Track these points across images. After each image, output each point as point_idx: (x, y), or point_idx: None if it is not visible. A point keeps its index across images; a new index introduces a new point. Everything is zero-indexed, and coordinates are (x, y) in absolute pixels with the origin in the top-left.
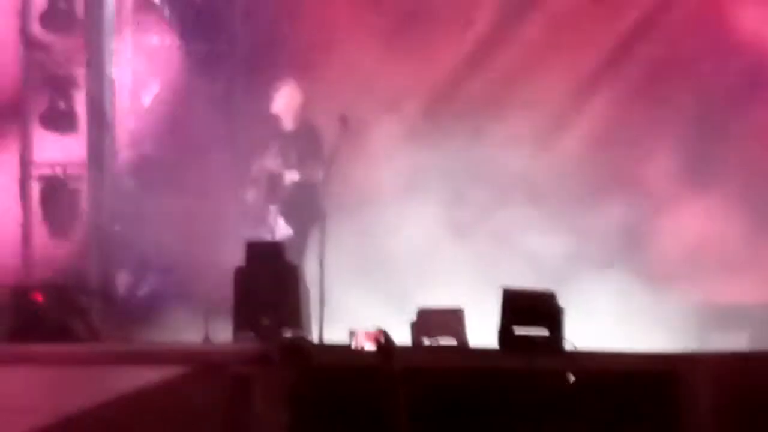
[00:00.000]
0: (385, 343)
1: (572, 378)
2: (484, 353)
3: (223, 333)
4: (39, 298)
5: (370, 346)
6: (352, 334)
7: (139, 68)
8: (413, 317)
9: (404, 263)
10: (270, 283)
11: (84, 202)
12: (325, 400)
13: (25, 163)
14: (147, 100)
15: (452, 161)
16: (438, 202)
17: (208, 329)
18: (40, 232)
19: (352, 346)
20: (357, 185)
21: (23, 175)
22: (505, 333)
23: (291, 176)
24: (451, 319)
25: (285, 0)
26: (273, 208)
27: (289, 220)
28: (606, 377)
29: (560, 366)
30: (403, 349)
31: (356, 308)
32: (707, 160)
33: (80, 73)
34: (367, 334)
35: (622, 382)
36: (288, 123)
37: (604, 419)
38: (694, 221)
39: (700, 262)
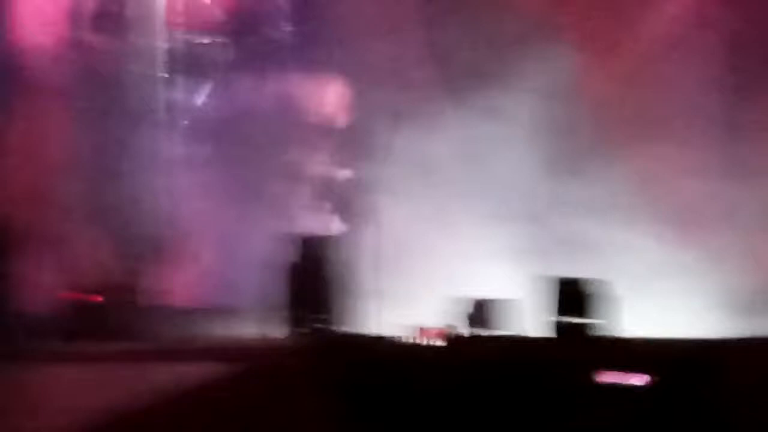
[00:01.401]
0: (453, 338)
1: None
2: (540, 342)
3: (277, 328)
4: (98, 299)
5: (438, 341)
6: (421, 329)
7: (190, 67)
8: (469, 308)
9: (458, 256)
10: (321, 279)
11: (137, 200)
12: (379, 392)
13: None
14: (200, 97)
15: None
16: (490, 194)
17: (263, 325)
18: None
19: (422, 342)
20: (408, 182)
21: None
22: (560, 322)
23: (344, 173)
24: (502, 310)
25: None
26: (327, 205)
27: (340, 215)
28: (658, 363)
29: (613, 354)
30: (467, 341)
31: (411, 302)
32: None
33: (133, 72)
34: (436, 330)
35: (674, 368)
36: (339, 120)
37: (656, 404)
38: None
39: None
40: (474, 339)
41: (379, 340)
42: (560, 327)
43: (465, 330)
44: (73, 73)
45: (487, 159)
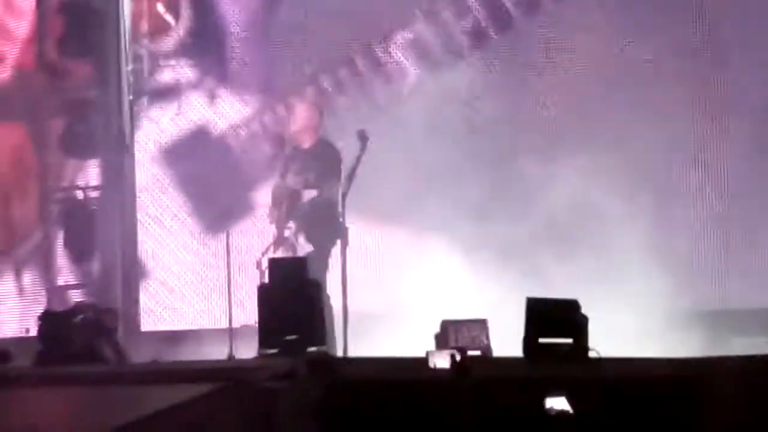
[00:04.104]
0: (460, 361)
1: None
2: (510, 362)
3: (247, 350)
4: (65, 321)
5: (443, 364)
6: (428, 353)
7: (156, 90)
8: (437, 329)
9: (426, 275)
10: (293, 300)
11: (105, 225)
12: (352, 414)
13: (45, 187)
14: (165, 121)
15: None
16: (460, 215)
17: (233, 347)
18: (62, 256)
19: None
20: (376, 200)
21: (43, 200)
22: (530, 342)
23: (310, 194)
24: (475, 330)
25: (296, 21)
26: (293, 226)
27: (309, 237)
28: (630, 385)
29: (585, 374)
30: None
31: (379, 322)
32: None
33: (97, 96)
34: (444, 353)
35: (646, 389)
36: (306, 141)
37: (629, 427)
38: None
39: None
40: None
41: (347, 360)
42: (531, 347)
43: (438, 350)
44: (39, 96)
45: (463, 179)
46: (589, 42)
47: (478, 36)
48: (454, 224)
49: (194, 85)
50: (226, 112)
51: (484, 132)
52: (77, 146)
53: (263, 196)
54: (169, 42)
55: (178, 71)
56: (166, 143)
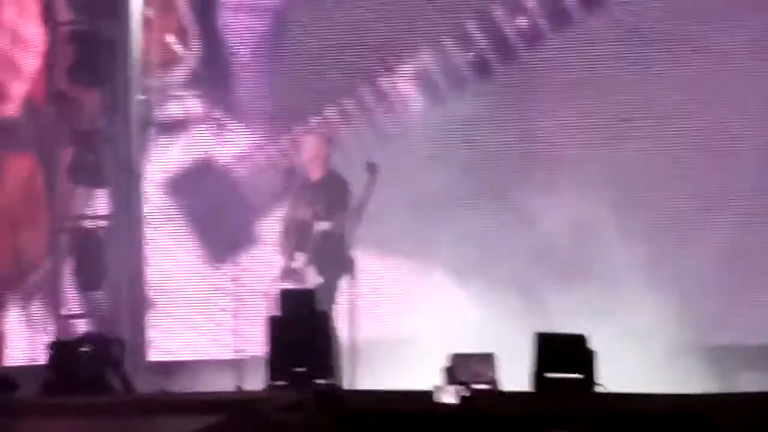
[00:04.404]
0: (467, 397)
1: None
2: (517, 397)
3: (255, 382)
4: (72, 350)
5: (450, 399)
6: (435, 388)
7: (166, 121)
8: (444, 360)
9: (432, 306)
10: (302, 332)
11: (113, 254)
12: None
13: (54, 217)
14: (173, 151)
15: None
16: (465, 246)
17: (241, 378)
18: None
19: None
20: (381, 231)
21: (52, 230)
22: (538, 377)
23: (319, 225)
24: (482, 364)
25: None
26: (302, 257)
27: (318, 268)
28: (636, 419)
29: (592, 408)
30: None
31: (386, 353)
32: None
33: (107, 126)
34: (450, 389)
35: (652, 424)
36: (315, 172)
37: None
38: None
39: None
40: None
41: (354, 392)
42: (540, 381)
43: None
44: (48, 126)
45: (467, 209)
46: (593, 74)
47: (481, 67)
48: (459, 255)
49: (203, 116)
50: (234, 142)
51: (487, 162)
52: (86, 176)
53: (271, 227)
54: (178, 72)
55: (187, 102)
56: (174, 173)
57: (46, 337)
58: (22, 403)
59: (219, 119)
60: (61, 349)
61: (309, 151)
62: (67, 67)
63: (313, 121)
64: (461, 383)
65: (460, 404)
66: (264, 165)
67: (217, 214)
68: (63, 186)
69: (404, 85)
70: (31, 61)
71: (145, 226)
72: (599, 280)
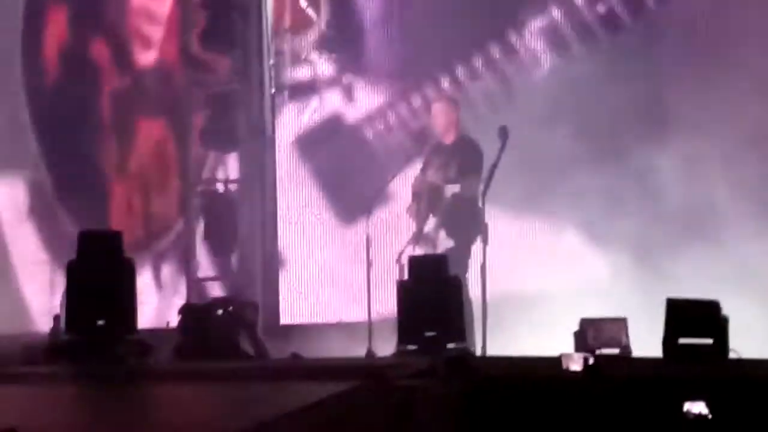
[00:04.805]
0: (593, 365)
1: None
2: (648, 363)
3: (386, 345)
4: (205, 314)
5: (577, 367)
6: (562, 356)
7: (296, 84)
8: (578, 327)
9: (564, 272)
10: (433, 296)
11: (245, 217)
12: (490, 413)
13: (187, 181)
14: (304, 114)
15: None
16: (593, 207)
17: (371, 342)
18: (202, 250)
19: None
20: (511, 193)
21: (183, 193)
22: (670, 343)
23: (451, 189)
24: (614, 329)
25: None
26: (434, 221)
27: (450, 232)
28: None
29: (725, 375)
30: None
31: (518, 317)
32: None
33: (239, 90)
34: (577, 356)
35: None
36: (447, 137)
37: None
38: None
39: None
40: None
41: (486, 358)
42: (671, 348)
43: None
44: (180, 90)
45: (596, 170)
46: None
47: (610, 23)
48: (588, 217)
49: (333, 78)
50: (364, 104)
51: (617, 122)
52: (218, 139)
53: (401, 190)
54: (309, 36)
55: (318, 65)
56: (305, 136)
57: (178, 301)
58: (156, 368)
59: (349, 81)
60: (194, 313)
61: (440, 116)
62: (200, 32)
63: (442, 81)
64: (592, 348)
65: (588, 371)
66: (394, 126)
67: (348, 176)
68: (195, 150)
69: (533, 41)
70: (165, 22)
71: (276, 189)
72: (725, 245)
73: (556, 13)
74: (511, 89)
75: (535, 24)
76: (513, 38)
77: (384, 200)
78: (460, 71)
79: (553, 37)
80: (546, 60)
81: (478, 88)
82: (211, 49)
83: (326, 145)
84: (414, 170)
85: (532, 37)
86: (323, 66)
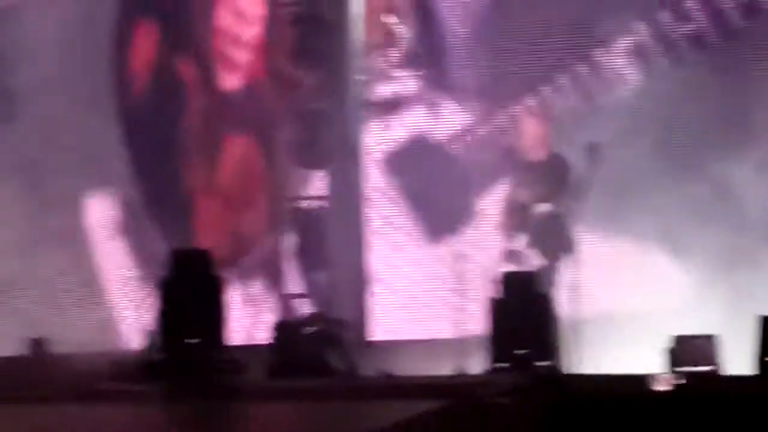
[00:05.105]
0: (683, 383)
1: None
2: (740, 381)
3: (476, 362)
4: (296, 331)
5: (667, 386)
6: (651, 377)
7: (384, 100)
8: (668, 344)
9: (651, 288)
10: (523, 314)
11: (334, 234)
12: (582, 430)
13: (274, 197)
14: (391, 131)
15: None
16: (681, 221)
17: (462, 359)
18: (291, 266)
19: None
20: (600, 208)
21: (272, 210)
22: (762, 360)
23: (541, 207)
24: (704, 346)
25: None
26: (524, 238)
27: (540, 250)
28: None
29: None
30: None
31: (608, 337)
32: None
33: (327, 106)
34: (667, 377)
35: None
36: (536, 153)
37: None
38: None
39: None
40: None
41: (577, 376)
42: (764, 365)
43: (664, 372)
44: (268, 106)
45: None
46: None
47: (697, 41)
48: (676, 231)
49: (420, 95)
50: (451, 121)
51: (700, 137)
52: (307, 156)
53: (491, 206)
54: (397, 52)
55: (405, 81)
56: (392, 153)
57: (267, 318)
58: (248, 386)
59: (436, 97)
60: (285, 330)
61: (530, 132)
62: (289, 49)
63: (529, 99)
64: (682, 367)
65: (679, 389)
66: (482, 143)
67: (436, 192)
68: (283, 166)
69: (618, 60)
70: (252, 42)
71: (365, 205)
72: None
73: (642, 31)
74: (595, 107)
75: (621, 42)
76: (599, 56)
77: (473, 217)
78: (546, 89)
79: (639, 55)
80: (631, 77)
81: (564, 105)
82: (301, 66)
83: (414, 161)
84: (503, 187)
85: (617, 55)
86: (410, 83)
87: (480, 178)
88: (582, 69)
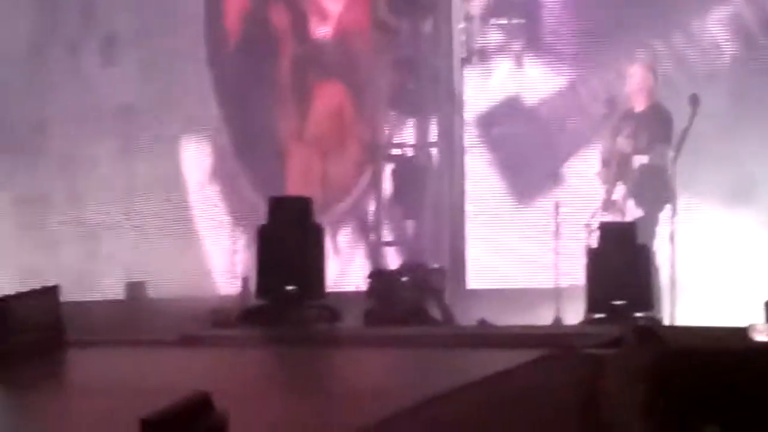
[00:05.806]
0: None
1: None
2: None
3: (573, 312)
4: (393, 280)
5: (765, 338)
6: (750, 327)
7: (486, 49)
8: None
9: (752, 243)
10: (622, 265)
11: (432, 183)
12: (679, 384)
13: (369, 145)
14: (493, 80)
15: None
16: None
17: (559, 311)
18: (392, 214)
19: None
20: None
21: (374, 158)
22: None
23: (641, 158)
24: None
25: None
26: (623, 189)
27: (638, 201)
28: None
29: None
30: None
31: (706, 289)
32: None
33: (427, 55)
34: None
35: None
36: (639, 104)
37: None
38: None
39: None
40: None
41: (674, 328)
42: None
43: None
44: (366, 54)
45: None
46: None
47: None
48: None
49: (523, 44)
50: (554, 72)
51: None
52: (406, 104)
53: (592, 157)
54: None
55: (508, 30)
56: (493, 103)
57: (362, 266)
58: (345, 333)
59: (539, 47)
60: (382, 278)
61: (635, 81)
62: None
63: (637, 53)
64: None
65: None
66: (583, 95)
67: (536, 143)
68: (378, 114)
69: (716, 29)
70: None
71: (464, 154)
72: None
73: (739, 2)
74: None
75: (719, 13)
76: (695, 26)
77: (573, 168)
78: (658, 46)
79: (736, 26)
80: (728, 48)
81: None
82: (400, 13)
83: (515, 111)
84: (605, 137)
85: (714, 25)
86: (512, 31)
87: (582, 128)
88: (678, 38)
